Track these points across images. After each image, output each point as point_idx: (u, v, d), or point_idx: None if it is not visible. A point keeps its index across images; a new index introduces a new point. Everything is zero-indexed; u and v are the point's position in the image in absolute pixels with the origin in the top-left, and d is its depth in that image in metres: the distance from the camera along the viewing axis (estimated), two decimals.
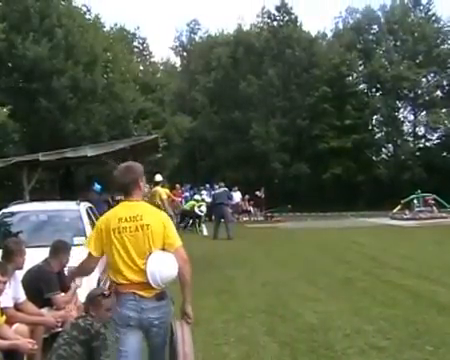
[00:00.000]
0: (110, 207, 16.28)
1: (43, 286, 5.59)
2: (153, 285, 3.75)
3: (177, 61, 53.70)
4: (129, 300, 3.76)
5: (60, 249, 5.88)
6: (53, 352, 4.22)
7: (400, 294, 8.55)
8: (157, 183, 14.98)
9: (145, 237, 3.79)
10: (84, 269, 4.20)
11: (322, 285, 9.47)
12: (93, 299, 4.39)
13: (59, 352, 4.15)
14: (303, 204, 31.02)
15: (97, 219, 9.32)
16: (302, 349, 5.93)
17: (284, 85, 40.35)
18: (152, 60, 45.69)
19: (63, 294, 5.77)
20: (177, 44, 52.79)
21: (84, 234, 7.77)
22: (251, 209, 28.79)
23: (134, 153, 12.20)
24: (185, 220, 21.57)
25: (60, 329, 5.00)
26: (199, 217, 21.20)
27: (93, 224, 8.56)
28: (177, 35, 53.22)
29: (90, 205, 9.51)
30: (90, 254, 3.91)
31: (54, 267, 5.80)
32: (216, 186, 29.15)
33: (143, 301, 3.76)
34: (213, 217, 20.10)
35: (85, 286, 5.71)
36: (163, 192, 15.54)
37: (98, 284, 6.62)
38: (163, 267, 3.76)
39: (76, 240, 7.27)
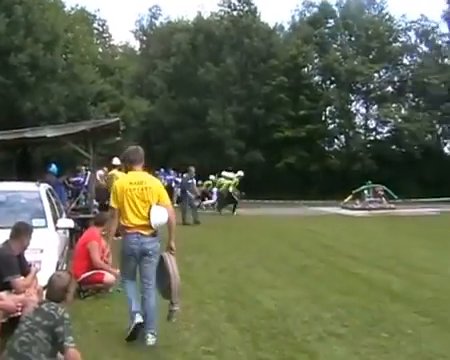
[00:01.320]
0: (67, 189, 16.02)
1: (3, 269, 5.33)
2: (152, 226, 5.52)
3: (136, 45, 52.85)
4: (133, 237, 5.50)
5: (22, 231, 5.63)
6: (15, 338, 4.01)
7: (355, 282, 8.63)
8: (115, 166, 14.64)
9: (147, 195, 5.55)
10: (111, 220, 5.73)
11: (279, 272, 9.48)
12: (61, 291, 4.24)
13: (21, 338, 3.94)
14: (257, 191, 31.10)
15: (56, 201, 9.12)
16: (262, 336, 5.90)
17: (242, 74, 40.29)
18: (111, 43, 44.82)
19: (23, 278, 5.52)
20: (137, 28, 51.98)
21: (44, 216, 7.48)
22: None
23: (94, 135, 11.86)
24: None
25: (19, 313, 4.76)
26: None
27: (53, 206, 8.27)
28: (138, 19, 52.47)
29: (49, 187, 9.16)
30: (112, 207, 5.64)
31: (15, 250, 5.54)
32: (171, 171, 29.07)
33: (142, 237, 5.51)
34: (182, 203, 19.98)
35: (45, 269, 5.51)
36: (120, 175, 15.24)
37: (57, 268, 6.39)
38: (159, 215, 5.54)
39: (35, 222, 6.97)
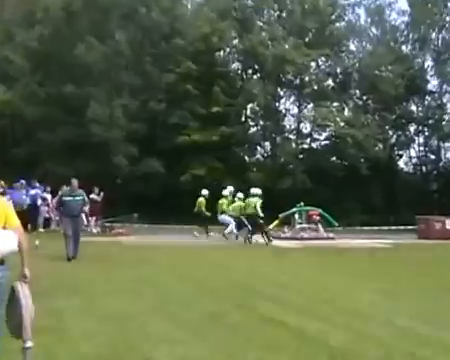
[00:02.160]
0: None
1: None
2: None
3: None
4: None
5: None
6: None
7: (281, 334, 8.74)
8: None
9: None
10: None
11: (182, 321, 9.47)
12: None
13: None
14: (154, 213, 31.08)
15: None
16: None
17: (136, 55, 40.30)
18: None
19: None
20: None
21: None
22: (83, 217, 28.30)
23: None
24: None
25: None
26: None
27: None
28: None
29: None
30: None
31: None
32: (36, 184, 28.42)
33: None
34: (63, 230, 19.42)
35: None
36: None
37: None
38: (5, 241, 5.82)
39: None
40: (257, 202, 24.57)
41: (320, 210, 27.40)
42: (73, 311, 10.10)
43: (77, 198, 18.04)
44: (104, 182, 31.42)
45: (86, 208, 20.00)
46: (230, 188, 27.69)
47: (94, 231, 27.92)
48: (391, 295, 12.53)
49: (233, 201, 26.81)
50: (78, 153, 36.75)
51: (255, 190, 25.53)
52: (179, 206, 34.97)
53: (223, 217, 26.40)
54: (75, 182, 18.24)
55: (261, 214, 24.33)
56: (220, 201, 26.88)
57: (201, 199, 27.96)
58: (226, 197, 26.96)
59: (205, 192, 28.18)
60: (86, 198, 18.98)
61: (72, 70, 38.84)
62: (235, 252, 21.02)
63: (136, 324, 9.18)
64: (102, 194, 29.10)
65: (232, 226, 25.94)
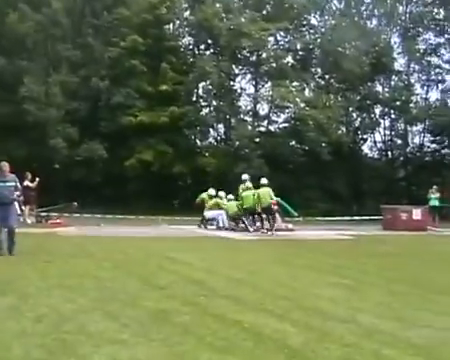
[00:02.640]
0: None
1: None
2: None
3: None
4: None
5: None
6: None
7: (236, 333, 8.73)
8: None
9: None
10: None
11: (125, 320, 9.41)
12: None
13: None
14: (96, 202, 30.95)
15: None
16: None
17: (75, 27, 39.96)
18: None
19: None
20: None
21: None
22: (16, 206, 28.02)
23: None
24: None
25: None
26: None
27: None
28: None
29: None
30: None
31: None
32: None
33: None
34: None
35: None
36: None
37: None
38: None
39: None
40: (270, 191, 25.20)
41: (278, 199, 27.47)
42: (4, 310, 9.96)
43: (8, 184, 17.49)
44: (40, 167, 31.15)
45: (17, 194, 19.31)
46: (245, 175, 27.90)
47: (28, 222, 27.62)
48: (354, 290, 12.65)
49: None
50: (10, 134, 36.32)
51: (263, 180, 26.22)
52: (124, 194, 34.90)
53: (211, 213, 27.32)
54: (6, 166, 17.65)
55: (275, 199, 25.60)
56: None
57: (205, 196, 28.87)
58: (220, 197, 28.10)
59: (212, 191, 28.87)
60: (19, 184, 18.55)
61: (3, 42, 38.32)
62: (185, 244, 21.07)
63: (74, 324, 9.09)
64: (37, 180, 28.77)
65: (222, 219, 26.84)
